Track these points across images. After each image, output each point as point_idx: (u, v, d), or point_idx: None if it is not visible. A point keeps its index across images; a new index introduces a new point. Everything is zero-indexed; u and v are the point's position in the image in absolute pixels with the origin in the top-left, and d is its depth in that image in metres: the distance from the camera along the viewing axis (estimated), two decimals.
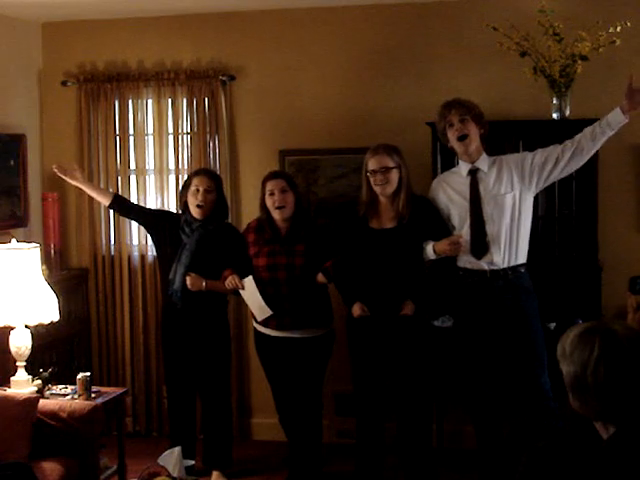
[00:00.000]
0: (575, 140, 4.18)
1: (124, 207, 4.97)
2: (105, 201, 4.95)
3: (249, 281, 4.49)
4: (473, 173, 4.29)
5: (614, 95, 4.92)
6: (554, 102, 4.78)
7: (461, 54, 5.14)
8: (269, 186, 4.50)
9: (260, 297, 4.47)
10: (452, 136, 4.30)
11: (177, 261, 4.66)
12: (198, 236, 4.65)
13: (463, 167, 4.35)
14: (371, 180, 4.35)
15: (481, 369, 4.33)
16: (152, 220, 4.89)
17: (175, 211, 5.15)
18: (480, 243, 4.23)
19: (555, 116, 4.80)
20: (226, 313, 4.88)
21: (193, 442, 4.86)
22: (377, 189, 4.35)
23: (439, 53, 5.19)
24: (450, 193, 4.36)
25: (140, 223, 5.11)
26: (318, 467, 4.71)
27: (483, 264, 4.24)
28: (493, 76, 5.05)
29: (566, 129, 4.79)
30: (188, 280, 4.60)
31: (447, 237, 4.29)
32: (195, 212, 4.68)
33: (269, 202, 4.49)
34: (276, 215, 4.50)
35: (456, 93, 5.02)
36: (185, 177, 5.42)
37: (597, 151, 4.73)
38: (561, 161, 4.19)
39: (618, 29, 4.58)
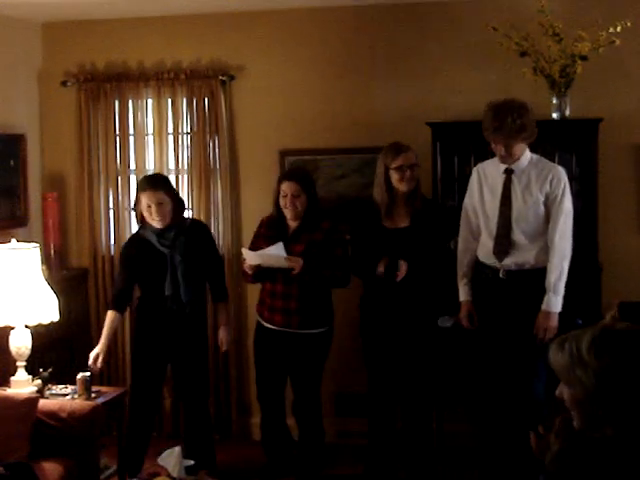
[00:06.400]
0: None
1: (127, 299, 4.75)
2: (119, 319, 4.78)
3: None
4: (509, 173, 4.25)
5: (614, 95, 4.95)
6: (554, 102, 4.78)
7: (461, 54, 5.14)
8: (283, 187, 4.53)
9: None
10: (496, 153, 4.24)
11: (170, 273, 4.49)
12: (182, 243, 4.52)
13: (502, 164, 4.29)
14: (396, 176, 4.36)
15: (486, 367, 4.33)
16: (135, 272, 4.65)
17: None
18: (503, 245, 4.22)
19: (555, 116, 4.80)
20: (205, 313, 4.77)
21: (147, 443, 4.67)
22: (402, 185, 4.36)
23: (439, 53, 5.18)
24: (484, 189, 4.33)
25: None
26: (320, 469, 4.70)
27: (503, 264, 4.22)
28: (493, 76, 5.04)
29: (566, 129, 4.80)
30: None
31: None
32: (157, 224, 4.49)
33: (281, 202, 4.54)
34: (287, 213, 4.55)
35: (456, 93, 5.04)
36: (185, 177, 5.44)
37: (597, 151, 4.75)
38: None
39: (618, 29, 4.57)
